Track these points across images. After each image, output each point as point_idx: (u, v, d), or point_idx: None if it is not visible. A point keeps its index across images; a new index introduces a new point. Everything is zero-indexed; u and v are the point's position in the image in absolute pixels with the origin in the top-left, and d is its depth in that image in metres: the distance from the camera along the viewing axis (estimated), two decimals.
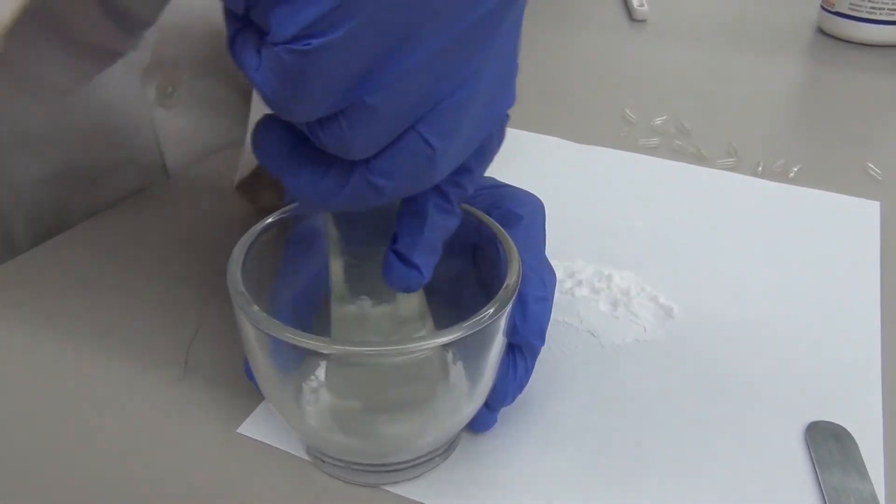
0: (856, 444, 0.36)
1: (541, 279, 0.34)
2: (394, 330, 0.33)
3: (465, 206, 0.35)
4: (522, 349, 0.35)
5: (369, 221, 0.30)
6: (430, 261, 0.29)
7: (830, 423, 0.38)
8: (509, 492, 0.34)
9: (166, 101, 0.57)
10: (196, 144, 0.61)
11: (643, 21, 0.97)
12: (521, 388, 0.35)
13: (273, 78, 0.22)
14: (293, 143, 0.26)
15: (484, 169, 0.29)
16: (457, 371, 0.32)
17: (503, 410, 0.37)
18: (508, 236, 0.33)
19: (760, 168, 0.61)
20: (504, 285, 0.31)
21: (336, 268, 0.31)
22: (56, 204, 0.54)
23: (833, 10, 0.89)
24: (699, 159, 0.63)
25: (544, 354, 0.41)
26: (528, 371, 0.35)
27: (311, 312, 0.35)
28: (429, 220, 0.28)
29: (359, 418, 0.34)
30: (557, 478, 0.35)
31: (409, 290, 0.29)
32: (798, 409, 0.39)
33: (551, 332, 0.42)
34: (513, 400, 0.35)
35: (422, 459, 0.35)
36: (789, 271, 0.49)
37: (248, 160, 0.47)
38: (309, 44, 0.21)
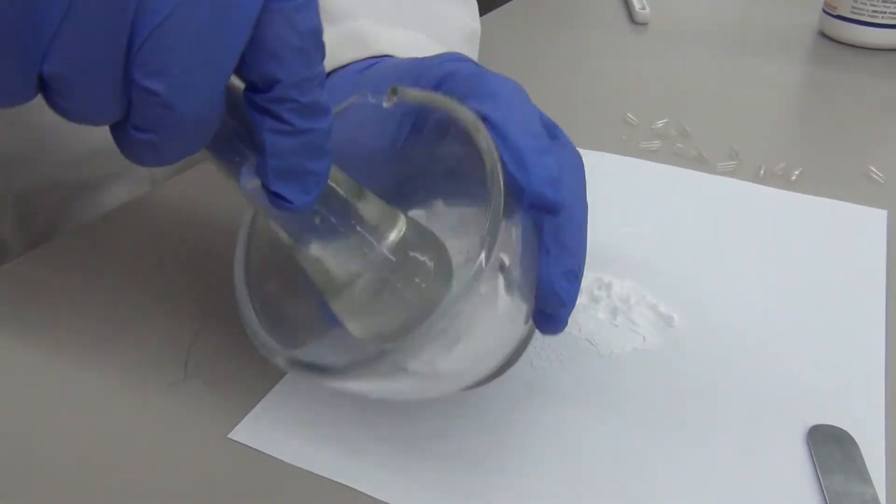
0: (858, 448, 0.36)
1: (536, 136, 0.31)
2: (364, 237, 0.31)
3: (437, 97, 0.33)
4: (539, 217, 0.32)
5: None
6: (301, 183, 0.27)
7: (832, 426, 0.37)
8: (504, 502, 0.34)
9: None
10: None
11: (645, 24, 0.97)
12: (573, 278, 0.32)
13: None
14: None
15: (294, 69, 0.25)
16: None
17: (493, 418, 0.36)
18: (487, 138, 0.30)
19: (762, 172, 0.61)
20: (487, 226, 0.28)
21: (307, 266, 0.31)
22: (46, 212, 0.54)
23: (835, 13, 0.89)
24: (700, 162, 0.63)
25: (540, 362, 0.41)
26: (576, 259, 0.32)
27: None
28: (267, 147, 0.26)
29: None
30: (554, 489, 0.35)
31: (292, 212, 0.28)
32: (799, 412, 0.38)
33: (547, 339, 0.43)
34: (572, 297, 0.32)
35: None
36: (791, 278, 0.48)
37: None
38: None
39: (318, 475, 0.35)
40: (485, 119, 0.31)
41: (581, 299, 0.45)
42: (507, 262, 0.30)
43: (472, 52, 0.53)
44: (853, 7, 0.87)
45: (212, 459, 0.36)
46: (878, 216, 0.55)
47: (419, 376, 0.31)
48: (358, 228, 0.31)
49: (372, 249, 0.31)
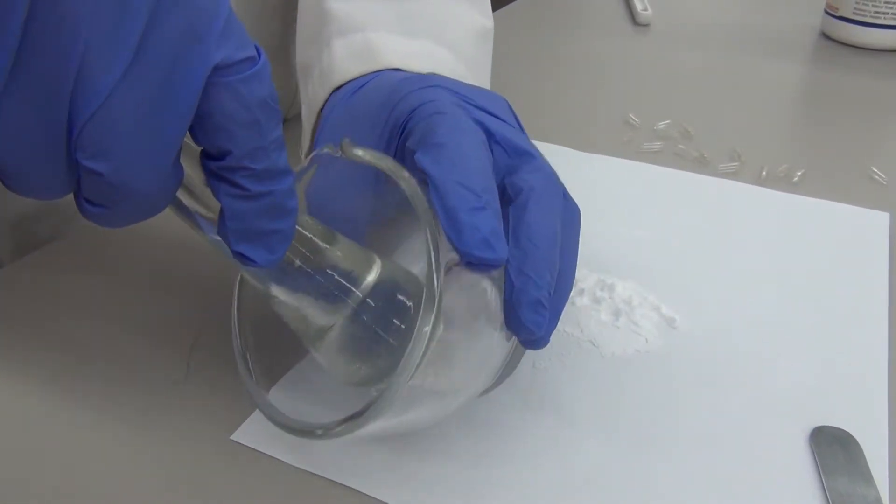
0: (861, 450, 0.36)
1: (472, 191, 0.31)
2: (341, 280, 0.31)
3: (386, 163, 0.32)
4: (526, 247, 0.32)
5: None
6: (264, 243, 0.27)
7: (835, 428, 0.37)
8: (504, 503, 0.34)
9: None
10: None
11: (647, 25, 0.97)
12: (539, 306, 0.32)
13: None
14: None
15: (245, 141, 0.25)
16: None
17: (495, 420, 0.36)
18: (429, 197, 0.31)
19: (764, 173, 0.61)
20: (424, 295, 0.29)
21: (284, 314, 0.31)
22: (44, 233, 0.54)
23: (837, 14, 0.89)
24: (702, 164, 0.63)
25: (542, 363, 0.41)
26: (539, 282, 0.32)
27: None
28: (226, 211, 0.26)
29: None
30: (553, 492, 0.35)
31: (260, 266, 0.28)
32: (802, 414, 0.38)
33: (550, 341, 0.42)
34: (540, 324, 0.32)
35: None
36: (794, 280, 0.48)
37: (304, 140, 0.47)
38: None
39: (319, 476, 0.35)
40: (425, 174, 0.31)
41: (583, 300, 0.45)
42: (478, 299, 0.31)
43: (485, 51, 0.53)
44: (855, 8, 0.87)
45: (214, 461, 0.36)
46: (881, 219, 0.55)
47: (406, 415, 0.31)
48: (331, 273, 0.31)
49: (348, 294, 0.31)
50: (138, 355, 0.41)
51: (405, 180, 0.31)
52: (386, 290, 0.32)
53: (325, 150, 0.33)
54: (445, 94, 0.36)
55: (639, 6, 0.98)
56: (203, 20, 0.23)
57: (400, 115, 0.36)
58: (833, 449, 0.36)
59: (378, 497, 0.34)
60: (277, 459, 0.36)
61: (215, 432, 0.37)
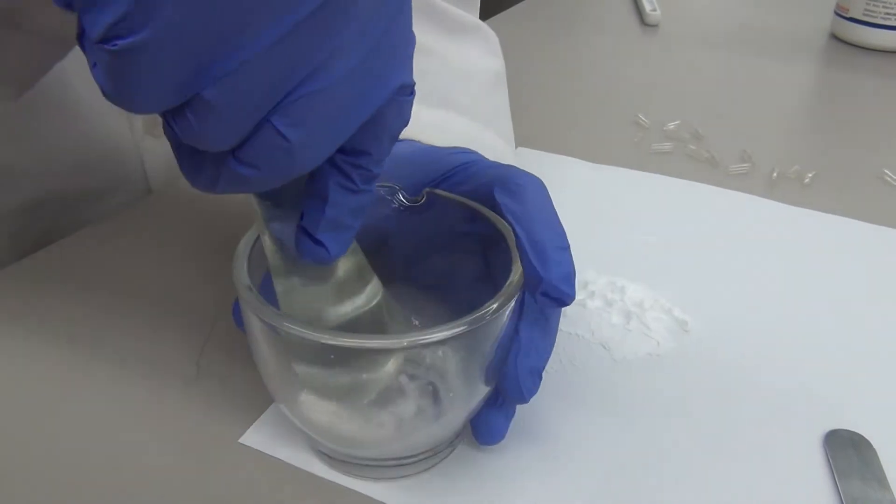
0: (875, 453, 0.36)
1: (558, 232, 0.34)
2: (335, 294, 0.32)
3: (472, 203, 0.36)
4: (539, 317, 0.34)
5: (289, 197, 0.30)
6: (339, 236, 0.29)
7: (849, 431, 0.37)
8: None
9: (154, 129, 0.57)
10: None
11: (655, 26, 0.96)
12: (537, 376, 0.34)
13: (101, 74, 0.22)
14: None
15: (383, 149, 0.29)
16: (457, 367, 0.33)
17: (513, 422, 0.36)
18: (513, 232, 0.34)
19: (775, 174, 0.60)
20: (508, 281, 0.32)
21: (267, 243, 0.31)
22: (42, 225, 0.54)
23: (847, 15, 0.89)
24: (712, 165, 0.62)
25: (553, 366, 0.41)
26: (542, 356, 0.34)
27: None
28: (330, 199, 0.28)
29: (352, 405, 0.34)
30: (566, 496, 0.34)
31: (321, 264, 0.30)
32: (816, 417, 0.38)
33: (561, 344, 0.42)
34: (532, 392, 0.34)
35: (417, 458, 0.35)
36: (806, 283, 0.48)
37: None
38: (115, 44, 0.21)
39: (328, 480, 0.35)
40: (510, 211, 0.34)
41: (595, 303, 0.45)
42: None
43: (501, 93, 0.54)
44: (865, 9, 0.87)
45: (222, 464, 0.36)
46: (891, 235, 0.54)
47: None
48: (334, 280, 0.32)
49: (341, 304, 0.33)
50: (148, 355, 0.41)
51: (493, 215, 0.35)
52: (375, 313, 0.33)
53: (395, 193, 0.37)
54: (486, 159, 0.39)
55: (647, 7, 0.98)
56: (406, 45, 0.27)
57: (442, 166, 0.38)
58: (847, 452, 0.36)
59: (387, 502, 0.34)
60: (286, 462, 0.36)
61: (224, 435, 0.37)
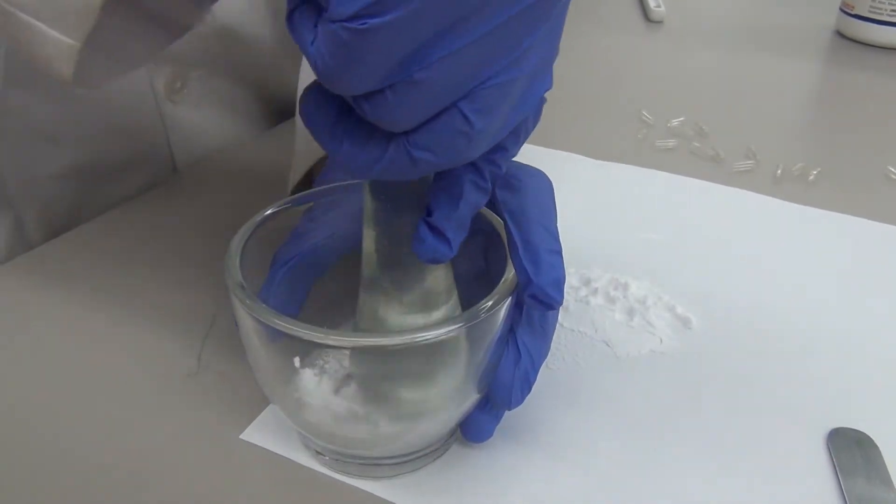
0: (879, 451, 0.36)
1: (552, 234, 0.34)
2: (421, 302, 0.33)
3: None
4: (534, 319, 0.34)
5: (409, 193, 0.30)
6: (461, 235, 0.30)
7: (853, 429, 0.37)
8: None
9: (175, 96, 0.57)
10: (205, 140, 0.61)
11: (660, 22, 0.96)
12: (527, 385, 0.34)
13: (327, 53, 0.23)
14: (337, 112, 0.27)
15: (518, 149, 0.30)
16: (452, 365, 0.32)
17: (509, 420, 0.36)
18: (506, 230, 0.34)
19: (779, 171, 0.60)
20: (503, 279, 0.32)
21: (369, 238, 0.32)
22: (68, 199, 0.54)
23: (852, 12, 0.88)
24: (717, 162, 0.62)
25: (556, 363, 0.41)
26: (535, 365, 0.34)
27: (309, 282, 0.37)
28: (465, 196, 0.29)
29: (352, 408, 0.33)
30: (567, 494, 0.34)
31: (437, 262, 0.30)
32: (820, 415, 0.38)
33: (564, 341, 0.42)
34: (520, 401, 0.34)
35: (410, 457, 0.35)
36: (810, 281, 0.48)
37: (301, 163, 0.47)
38: (365, 23, 0.22)
39: (329, 475, 0.35)
40: (507, 209, 0.34)
41: (597, 300, 0.45)
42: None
43: None
44: (871, 6, 0.86)
45: (223, 459, 0.36)
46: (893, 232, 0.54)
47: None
48: (422, 288, 0.32)
49: (420, 311, 0.32)
50: (149, 351, 0.41)
51: (489, 213, 0.35)
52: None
53: None
54: None
55: (652, 3, 0.97)
56: (556, 53, 0.29)
57: None
58: (851, 451, 0.36)
59: (388, 498, 0.34)
60: (288, 459, 0.36)
61: (225, 431, 0.37)
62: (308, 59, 0.24)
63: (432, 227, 0.29)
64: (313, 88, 0.27)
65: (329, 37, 0.23)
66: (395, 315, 0.32)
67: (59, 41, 0.32)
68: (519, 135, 0.30)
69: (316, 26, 0.24)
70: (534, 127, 0.31)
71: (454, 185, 0.29)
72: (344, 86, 0.24)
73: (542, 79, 0.28)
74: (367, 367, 0.33)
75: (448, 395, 0.33)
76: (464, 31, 0.24)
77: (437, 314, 0.32)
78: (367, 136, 0.26)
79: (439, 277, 0.32)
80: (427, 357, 0.31)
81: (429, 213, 0.29)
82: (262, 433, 0.37)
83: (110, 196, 0.56)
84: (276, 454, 0.36)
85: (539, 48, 0.26)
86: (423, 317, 0.32)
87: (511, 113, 0.27)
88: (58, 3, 0.32)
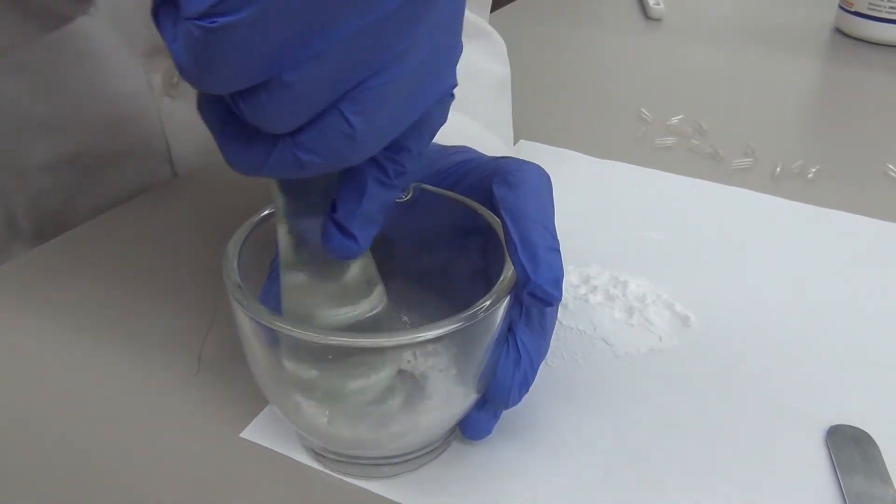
0: (877, 449, 0.36)
1: (550, 231, 0.34)
2: (341, 295, 0.32)
3: (464, 199, 0.36)
4: (533, 317, 0.34)
5: (316, 189, 0.30)
6: (369, 231, 0.30)
7: (852, 426, 0.37)
8: (517, 502, 0.34)
9: (172, 90, 0.57)
10: (201, 135, 0.61)
11: (659, 20, 0.96)
12: (526, 385, 0.34)
13: (185, 51, 0.23)
14: (225, 111, 0.26)
15: (423, 147, 0.30)
16: (449, 364, 0.32)
17: (509, 418, 0.36)
18: (504, 228, 0.33)
19: (778, 169, 0.60)
20: (501, 278, 0.31)
21: (283, 234, 0.31)
22: (61, 193, 0.54)
23: (851, 9, 0.88)
24: (716, 160, 0.62)
25: (555, 361, 0.41)
26: (534, 365, 0.34)
27: None
28: (367, 192, 0.29)
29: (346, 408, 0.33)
30: (567, 491, 0.34)
31: (347, 258, 0.30)
32: (818, 413, 0.38)
33: (563, 339, 0.42)
34: (518, 400, 0.34)
35: (410, 456, 0.35)
36: (808, 279, 0.48)
37: None
38: (215, 21, 0.21)
39: (329, 473, 0.35)
40: (505, 207, 0.34)
41: (597, 297, 0.45)
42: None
43: (504, 98, 0.54)
44: (870, 3, 0.86)
45: (223, 458, 0.36)
46: (892, 229, 0.54)
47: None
48: (343, 281, 0.32)
49: (346, 306, 0.32)
50: (149, 349, 0.41)
51: (487, 212, 0.35)
52: (377, 319, 0.33)
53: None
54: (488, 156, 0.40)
55: (651, 1, 0.97)
56: (457, 48, 0.28)
57: (442, 164, 0.38)
58: (849, 448, 0.36)
59: (389, 496, 0.34)
60: (287, 457, 0.36)
61: (226, 429, 0.37)
62: (172, 58, 0.24)
63: (338, 224, 0.29)
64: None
65: (184, 35, 0.22)
66: (318, 308, 0.32)
67: None
68: (422, 132, 0.29)
69: (175, 25, 0.23)
70: (440, 124, 0.30)
71: (356, 181, 0.29)
72: (207, 85, 0.24)
73: (437, 76, 0.28)
74: (326, 368, 0.33)
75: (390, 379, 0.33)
76: (331, 31, 0.23)
77: (365, 304, 0.32)
78: (253, 136, 0.26)
79: (358, 270, 0.32)
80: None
81: (334, 210, 0.29)
82: (263, 432, 0.37)
83: (104, 189, 0.56)
84: (277, 452, 0.36)
85: (423, 45, 0.26)
86: (349, 308, 0.32)
87: (401, 111, 0.27)
88: None
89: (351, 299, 0.32)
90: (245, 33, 0.22)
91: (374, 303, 0.33)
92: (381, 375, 0.32)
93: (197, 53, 0.22)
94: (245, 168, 0.27)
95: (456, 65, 0.29)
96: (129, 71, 0.54)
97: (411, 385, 0.33)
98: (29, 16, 0.37)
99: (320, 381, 0.32)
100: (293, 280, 0.32)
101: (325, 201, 0.30)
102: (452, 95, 0.29)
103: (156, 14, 0.24)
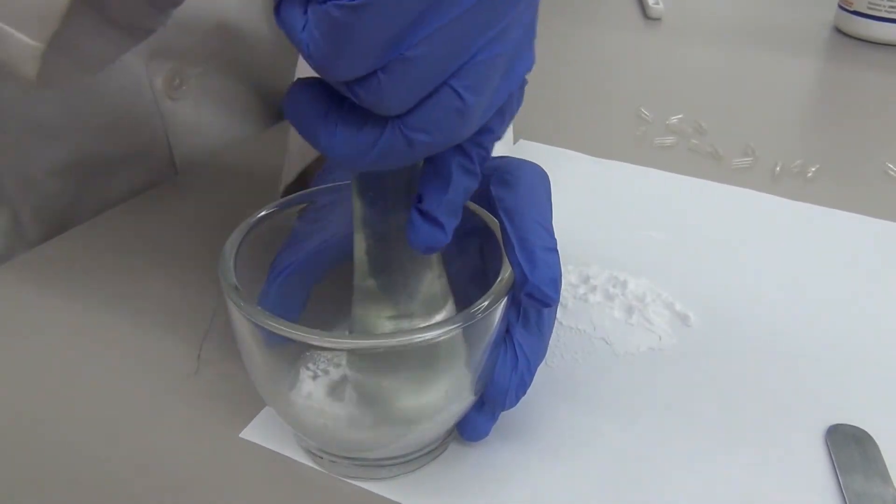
0: (877, 448, 0.36)
1: (548, 231, 0.34)
2: (414, 306, 0.32)
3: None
4: (530, 318, 0.34)
5: (396, 188, 0.30)
6: (453, 221, 0.29)
7: (851, 426, 0.37)
8: (516, 501, 0.34)
9: (173, 93, 0.57)
10: (204, 138, 0.61)
11: (658, 19, 0.96)
12: (523, 387, 0.34)
13: (319, 36, 0.23)
14: (328, 102, 0.27)
15: (504, 130, 0.30)
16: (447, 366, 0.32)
17: (508, 418, 0.36)
18: (502, 228, 0.33)
19: (778, 169, 0.60)
20: (499, 279, 0.31)
21: (359, 242, 0.31)
22: (66, 196, 0.54)
23: (851, 9, 0.88)
24: (715, 159, 0.62)
25: (554, 361, 0.41)
26: (531, 366, 0.34)
27: (307, 288, 0.36)
28: (453, 179, 0.29)
29: (346, 411, 0.33)
30: (566, 491, 0.34)
31: (432, 250, 0.29)
32: (818, 412, 0.38)
33: (562, 338, 0.42)
34: (515, 402, 0.34)
35: (408, 458, 0.35)
36: (808, 278, 0.48)
37: (293, 165, 0.47)
38: (353, 0, 0.22)
39: (328, 474, 0.35)
40: (502, 206, 0.34)
41: (596, 297, 0.45)
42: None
43: None
44: (870, 3, 0.86)
45: (223, 458, 0.36)
46: (891, 228, 0.54)
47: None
48: (414, 293, 0.32)
49: (415, 317, 0.32)
50: (148, 349, 0.41)
51: (484, 212, 0.35)
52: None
53: None
54: None
55: (650, 0, 0.97)
56: (535, 31, 0.29)
57: None
58: (849, 447, 0.36)
59: (388, 496, 0.34)
60: (287, 457, 0.36)
61: (225, 430, 0.37)
62: (300, 47, 0.24)
63: (423, 213, 0.29)
64: (299, 83, 0.28)
65: (321, 18, 0.23)
66: (388, 322, 0.32)
67: (22, 43, 0.32)
68: (504, 115, 0.29)
69: (305, 12, 0.24)
70: (518, 107, 0.30)
71: (442, 169, 0.29)
72: (339, 69, 0.24)
73: (524, 56, 0.28)
74: (363, 370, 0.33)
75: (445, 399, 0.33)
76: (448, 7, 0.24)
77: (438, 318, 0.32)
78: (361, 122, 0.26)
79: (432, 282, 0.32)
80: (424, 360, 0.31)
81: (419, 200, 0.29)
82: (262, 432, 0.37)
83: (108, 193, 0.56)
84: (276, 452, 0.36)
85: (519, 22, 0.26)
86: (420, 322, 0.32)
87: (499, 89, 0.27)
88: (22, 6, 0.32)
89: (423, 311, 0.32)
90: (382, 10, 0.23)
91: (447, 316, 0.33)
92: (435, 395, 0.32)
93: (334, 36, 0.23)
94: (351, 155, 0.27)
95: (533, 47, 0.29)
96: (131, 74, 0.54)
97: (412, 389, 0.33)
98: (115, 30, 0.37)
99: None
100: (366, 289, 0.32)
101: (404, 201, 0.30)
102: (526, 80, 0.29)
103: (279, 6, 0.24)
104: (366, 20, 0.23)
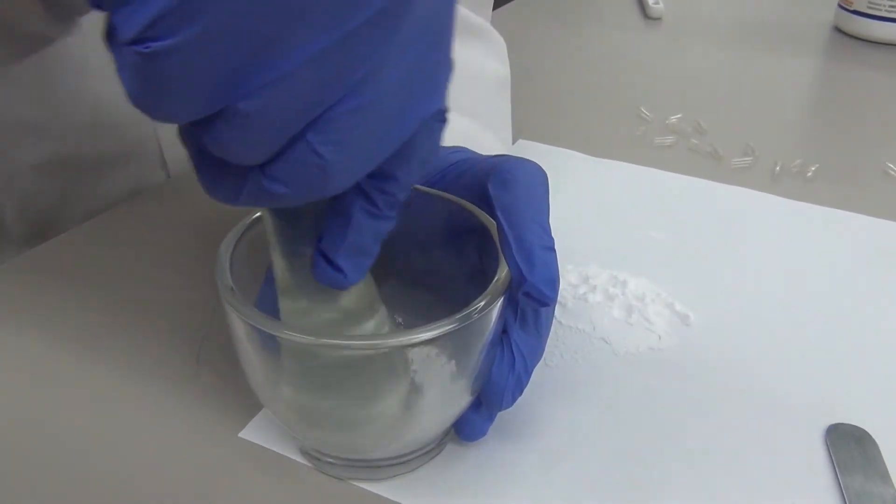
0: (877, 447, 0.36)
1: (545, 230, 0.33)
2: (341, 319, 0.32)
3: (461, 200, 0.35)
4: (528, 318, 0.34)
5: (308, 215, 0.29)
6: (359, 261, 0.29)
7: (851, 425, 0.37)
8: (516, 501, 0.34)
9: None
10: None
11: (658, 19, 0.96)
12: (520, 387, 0.34)
13: (128, 78, 0.21)
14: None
15: (413, 175, 0.28)
16: (443, 367, 0.32)
17: (507, 418, 0.36)
18: (499, 228, 0.33)
19: (777, 168, 0.60)
20: (495, 278, 0.31)
21: (278, 261, 0.31)
22: (50, 195, 0.54)
23: (851, 8, 0.88)
24: (715, 158, 0.62)
25: (554, 360, 0.41)
26: (528, 367, 0.34)
27: None
28: (353, 223, 0.28)
29: (336, 411, 0.33)
30: (565, 490, 0.34)
31: (336, 287, 0.29)
32: (817, 411, 0.38)
33: (562, 338, 0.42)
34: (511, 402, 0.34)
35: (405, 458, 0.35)
36: (808, 278, 0.48)
37: None
38: (149, 46, 0.20)
39: (327, 474, 0.35)
40: (500, 206, 0.33)
41: (596, 297, 0.45)
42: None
43: (504, 98, 0.54)
44: (869, 2, 0.86)
45: (222, 458, 0.36)
46: (891, 228, 0.54)
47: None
48: (342, 306, 0.32)
49: (347, 330, 0.32)
50: (147, 350, 0.41)
51: (481, 213, 0.34)
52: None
53: None
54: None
55: (650, 0, 0.97)
56: (445, 69, 0.26)
57: (438, 164, 0.38)
58: (849, 446, 0.36)
59: (386, 496, 0.34)
60: (286, 457, 0.36)
61: (224, 429, 0.37)
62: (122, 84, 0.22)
63: (324, 256, 0.28)
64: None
65: (125, 61, 0.21)
66: (318, 333, 0.31)
67: None
68: (409, 159, 0.27)
69: (119, 51, 0.21)
70: (432, 151, 0.28)
71: (342, 211, 0.28)
72: (157, 114, 0.22)
73: (418, 98, 0.25)
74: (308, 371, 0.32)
75: (387, 414, 0.32)
76: (285, 53, 0.21)
77: (366, 328, 0.32)
78: (225, 167, 0.24)
79: (358, 294, 0.32)
80: (366, 375, 0.31)
81: (321, 240, 0.28)
82: (261, 431, 0.37)
83: (98, 192, 0.55)
84: (275, 452, 0.36)
85: (399, 63, 0.24)
86: (351, 329, 0.32)
87: (376, 140, 0.25)
88: None
89: (351, 324, 0.32)
90: (186, 58, 0.20)
91: (376, 327, 0.32)
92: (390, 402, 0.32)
93: (139, 80, 0.21)
94: (221, 198, 0.26)
95: (446, 85, 0.27)
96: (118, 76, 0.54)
97: (408, 389, 0.33)
98: (14, 38, 0.36)
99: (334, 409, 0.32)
100: (291, 305, 0.31)
101: (317, 228, 0.29)
102: (444, 120, 0.27)
103: (107, 38, 0.22)
104: (167, 67, 0.20)
